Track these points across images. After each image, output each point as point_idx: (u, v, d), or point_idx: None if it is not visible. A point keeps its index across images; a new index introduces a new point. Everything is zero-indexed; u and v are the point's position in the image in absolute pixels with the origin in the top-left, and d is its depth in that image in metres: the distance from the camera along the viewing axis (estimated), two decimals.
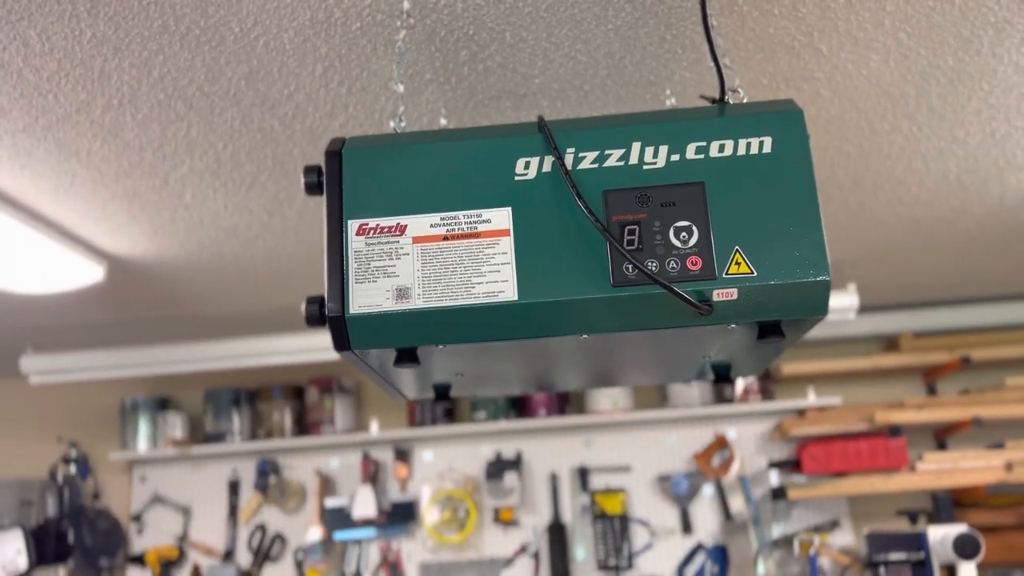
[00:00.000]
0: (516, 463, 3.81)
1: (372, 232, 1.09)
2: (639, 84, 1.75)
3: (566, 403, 3.92)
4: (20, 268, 2.45)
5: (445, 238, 1.08)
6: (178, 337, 3.65)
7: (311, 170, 1.14)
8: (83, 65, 1.56)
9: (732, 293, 1.04)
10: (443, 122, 1.84)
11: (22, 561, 3.33)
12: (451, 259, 1.07)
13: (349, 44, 1.55)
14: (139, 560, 3.85)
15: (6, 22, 1.42)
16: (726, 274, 1.04)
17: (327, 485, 3.96)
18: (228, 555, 3.94)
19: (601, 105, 1.83)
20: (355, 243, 1.09)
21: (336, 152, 1.14)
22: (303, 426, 4.01)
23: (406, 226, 1.09)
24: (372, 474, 3.89)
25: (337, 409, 3.94)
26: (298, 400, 4.03)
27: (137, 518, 4.03)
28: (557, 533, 3.79)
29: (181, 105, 1.73)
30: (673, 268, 1.05)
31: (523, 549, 3.82)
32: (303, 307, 1.09)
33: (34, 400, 4.27)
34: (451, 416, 3.97)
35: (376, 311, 1.06)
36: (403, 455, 3.95)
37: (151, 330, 3.52)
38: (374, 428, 3.87)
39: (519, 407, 3.91)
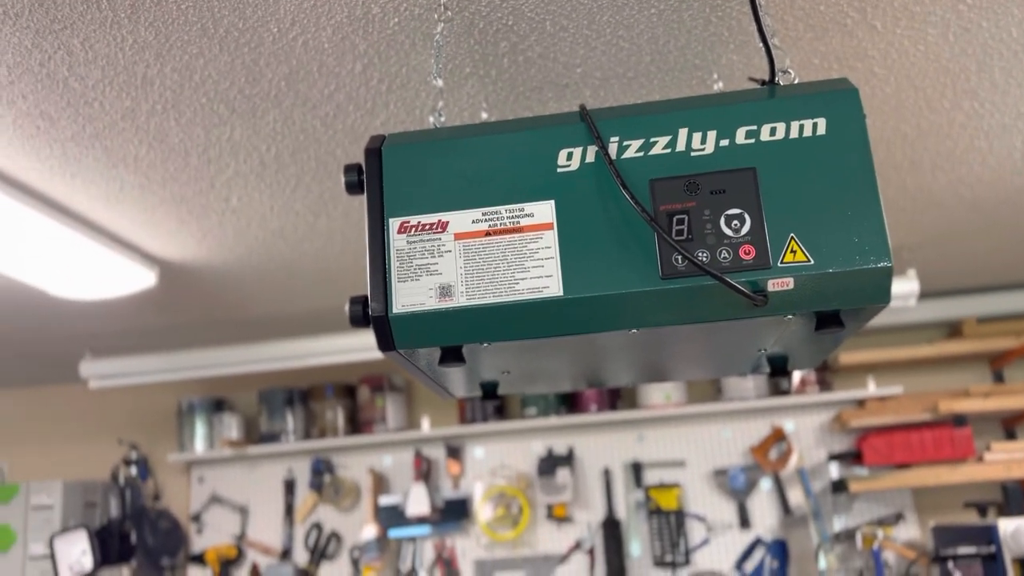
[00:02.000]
0: (568, 459, 3.78)
1: (413, 230, 1.07)
2: (684, 69, 1.71)
3: (617, 398, 3.88)
4: (75, 275, 2.50)
5: (487, 234, 1.06)
6: (231, 339, 3.70)
7: (351, 169, 1.13)
8: (126, 72, 1.57)
9: (788, 282, 1.00)
10: (484, 115, 1.82)
11: (87, 561, 3.42)
12: (494, 255, 1.05)
13: (388, 40, 1.53)
14: (199, 559, 3.93)
15: (50, 31, 1.43)
16: (781, 263, 1.00)
17: (380, 483, 3.98)
18: (285, 554, 3.99)
19: (645, 92, 1.79)
20: (396, 241, 1.07)
21: (376, 150, 1.12)
22: (355, 425, 4.04)
23: (447, 223, 1.07)
24: (425, 471, 3.90)
25: (388, 407, 3.95)
26: (350, 399, 4.06)
27: (196, 518, 4.10)
28: (612, 529, 3.75)
29: (223, 108, 1.74)
30: (725, 258, 1.01)
31: (578, 545, 3.79)
32: (347, 307, 1.08)
33: (94, 404, 4.38)
34: (501, 413, 3.96)
35: (419, 310, 1.05)
36: (455, 452, 3.95)
37: (204, 333, 3.57)
38: (425, 425, 3.88)
39: (570, 403, 3.88)
